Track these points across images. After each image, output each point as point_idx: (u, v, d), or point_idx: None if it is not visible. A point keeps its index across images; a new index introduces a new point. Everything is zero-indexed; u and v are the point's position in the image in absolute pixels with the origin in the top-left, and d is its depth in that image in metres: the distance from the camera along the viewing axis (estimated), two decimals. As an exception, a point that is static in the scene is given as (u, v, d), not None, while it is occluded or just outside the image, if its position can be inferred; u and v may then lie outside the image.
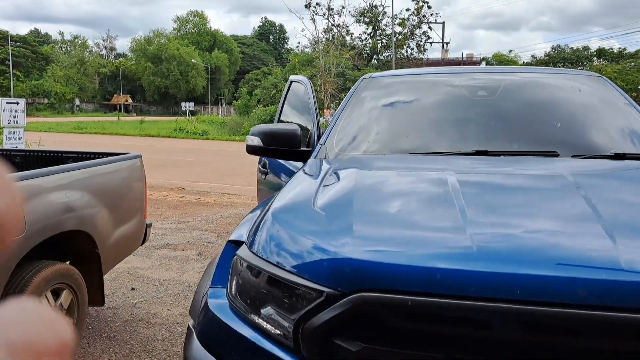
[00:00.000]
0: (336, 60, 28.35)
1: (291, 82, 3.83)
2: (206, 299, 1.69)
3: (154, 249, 5.52)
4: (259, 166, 3.84)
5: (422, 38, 41.11)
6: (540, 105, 2.79)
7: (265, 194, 3.47)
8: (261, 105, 31.06)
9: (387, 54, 41.14)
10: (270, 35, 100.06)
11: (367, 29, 41.87)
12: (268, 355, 1.43)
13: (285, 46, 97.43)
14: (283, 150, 2.71)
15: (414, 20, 40.10)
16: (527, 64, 49.65)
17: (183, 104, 48.32)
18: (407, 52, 40.58)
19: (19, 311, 0.25)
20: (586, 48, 53.36)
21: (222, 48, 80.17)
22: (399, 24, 38.87)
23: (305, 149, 2.76)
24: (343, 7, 37.44)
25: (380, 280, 1.30)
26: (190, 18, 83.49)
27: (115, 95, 74.61)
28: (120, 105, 71.92)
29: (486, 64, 44.68)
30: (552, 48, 55.59)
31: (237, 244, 1.82)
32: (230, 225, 6.88)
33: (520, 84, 3.03)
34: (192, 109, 47.20)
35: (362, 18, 41.42)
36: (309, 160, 2.53)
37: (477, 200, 1.67)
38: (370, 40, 41.50)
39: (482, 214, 1.55)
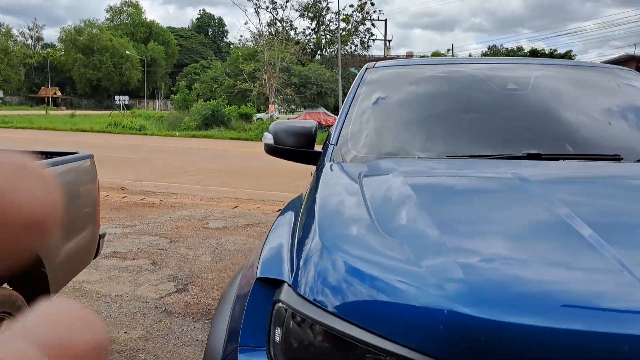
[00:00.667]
0: (281, 54, 27.83)
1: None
2: None
3: (100, 259, 4.93)
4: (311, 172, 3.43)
5: (365, 35, 41.20)
6: (582, 101, 2.49)
7: None
8: (201, 100, 30.06)
9: (331, 50, 40.98)
10: (208, 28, 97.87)
11: (311, 24, 41.58)
12: None
13: (225, 40, 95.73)
14: (293, 151, 2.26)
15: (358, 16, 40.12)
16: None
17: (117, 97, 46.44)
18: (351, 48, 40.54)
19: (53, 310, 0.24)
20: (520, 48, 55.38)
21: (159, 40, 77.52)
22: (343, 20, 38.74)
23: (318, 150, 2.32)
24: (287, 1, 36.77)
25: (527, 352, 0.90)
26: (124, 8, 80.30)
27: (42, 87, 70.59)
28: (48, 98, 68.02)
29: None
30: (489, 48, 57.52)
31: (270, 282, 1.33)
32: (182, 228, 6.35)
33: (551, 77, 2.69)
34: (126, 102, 45.34)
35: (306, 13, 41.03)
36: (325, 165, 2.08)
37: (597, 220, 1.30)
38: (314, 36, 41.20)
39: (623, 243, 1.17)
